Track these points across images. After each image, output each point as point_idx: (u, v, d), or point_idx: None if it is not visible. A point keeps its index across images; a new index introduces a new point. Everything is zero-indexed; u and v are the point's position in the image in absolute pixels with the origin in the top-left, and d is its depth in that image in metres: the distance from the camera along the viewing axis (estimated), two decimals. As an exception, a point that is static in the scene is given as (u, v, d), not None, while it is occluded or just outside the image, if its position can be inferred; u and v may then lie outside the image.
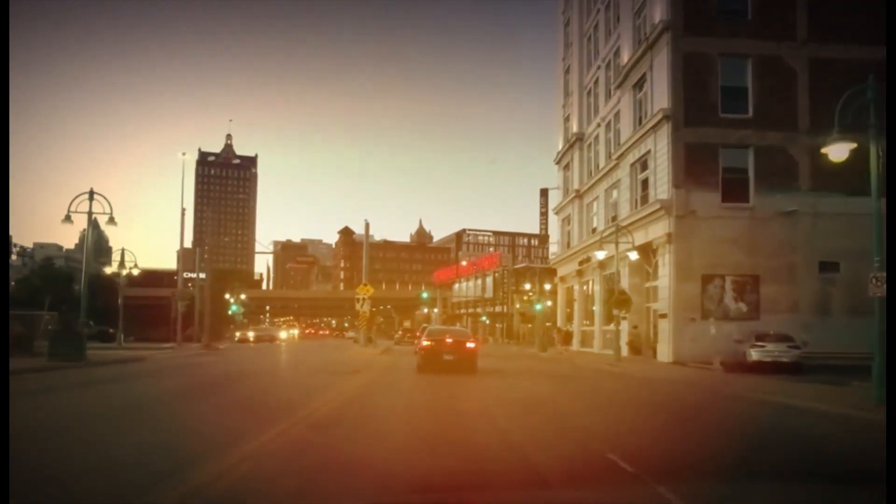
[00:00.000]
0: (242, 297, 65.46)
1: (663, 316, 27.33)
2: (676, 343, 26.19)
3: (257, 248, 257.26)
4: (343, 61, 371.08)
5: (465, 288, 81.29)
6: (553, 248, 55.79)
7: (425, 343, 19.08)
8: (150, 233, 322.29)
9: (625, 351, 30.17)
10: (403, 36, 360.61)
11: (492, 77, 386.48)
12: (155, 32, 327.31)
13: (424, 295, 75.65)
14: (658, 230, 27.77)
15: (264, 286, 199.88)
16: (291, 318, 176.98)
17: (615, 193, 35.30)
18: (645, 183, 30.55)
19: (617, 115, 35.17)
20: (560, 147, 47.16)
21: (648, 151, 29.06)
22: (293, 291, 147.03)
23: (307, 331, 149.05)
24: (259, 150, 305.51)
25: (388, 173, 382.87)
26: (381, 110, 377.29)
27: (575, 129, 43.01)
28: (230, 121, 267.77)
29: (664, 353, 26.94)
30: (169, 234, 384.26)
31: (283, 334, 62.10)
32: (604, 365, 26.30)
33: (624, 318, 31.27)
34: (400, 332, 57.54)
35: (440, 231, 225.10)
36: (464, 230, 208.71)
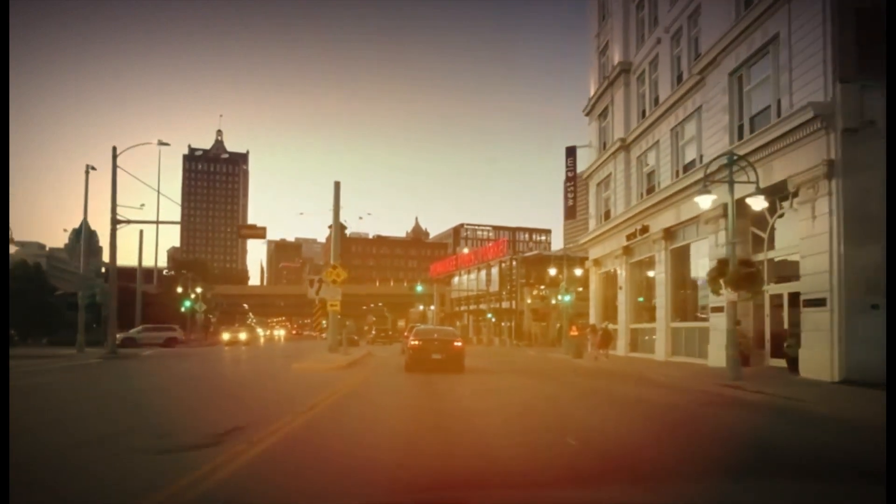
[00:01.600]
0: (199, 290, 54.17)
1: (815, 304, 16.31)
2: (848, 348, 15.22)
3: (248, 244, 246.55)
4: (336, 57, 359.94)
5: (467, 281, 70.16)
6: (556, 242, 44.87)
7: (414, 342, 19.40)
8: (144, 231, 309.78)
9: (718, 361, 19.38)
10: (399, 32, 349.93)
11: (490, 73, 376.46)
12: (144, 29, 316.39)
13: (419, 289, 64.56)
14: (799, 162, 16.77)
15: (257, 284, 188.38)
16: (284, 318, 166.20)
17: (692, 127, 24.38)
18: (755, 99, 19.62)
19: (694, 14, 24.22)
20: (593, 91, 36.19)
21: (775, 37, 18.02)
22: (271, 287, 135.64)
23: (293, 331, 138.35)
24: (253, 150, 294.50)
25: (384, 172, 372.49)
26: (375, 108, 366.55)
27: (617, 58, 32.01)
28: (220, 116, 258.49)
29: (819, 363, 15.92)
30: (160, 231, 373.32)
31: (242, 335, 50.00)
32: (711, 384, 15.53)
33: (715, 309, 20.56)
34: (374, 332, 53.01)
35: (437, 230, 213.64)
36: (461, 225, 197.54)
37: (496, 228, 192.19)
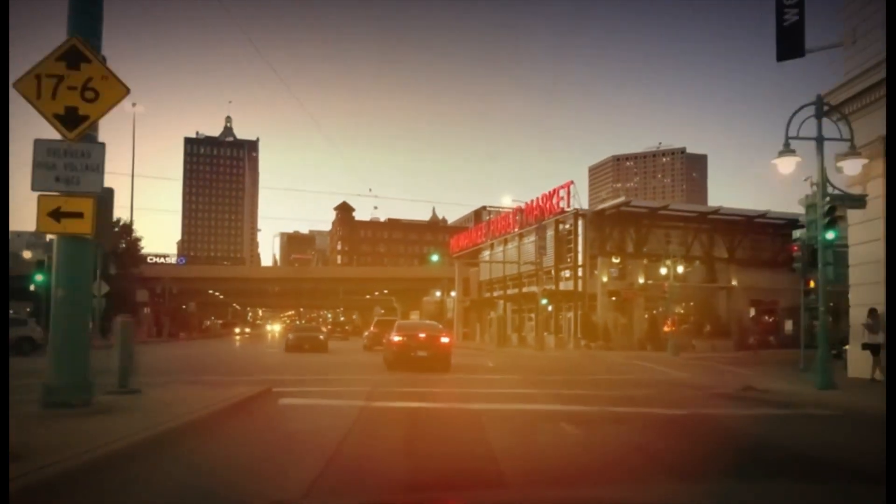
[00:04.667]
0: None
1: None
2: None
3: (259, 237, 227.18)
4: (343, 53, 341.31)
5: (503, 255, 48.87)
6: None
7: (396, 338, 18.43)
8: (146, 220, 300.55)
9: None
10: (400, 30, 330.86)
11: (493, 71, 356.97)
12: (155, 16, 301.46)
13: (434, 258, 43.74)
14: None
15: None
16: (292, 312, 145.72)
17: None
18: None
19: None
20: None
21: None
22: (248, 269, 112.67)
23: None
24: (266, 142, 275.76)
25: (400, 162, 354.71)
26: (387, 99, 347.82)
27: None
28: (229, 102, 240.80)
29: None
30: (159, 220, 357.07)
31: None
32: None
33: None
34: (328, 327, 46.68)
35: (455, 219, 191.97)
36: (483, 207, 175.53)
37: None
